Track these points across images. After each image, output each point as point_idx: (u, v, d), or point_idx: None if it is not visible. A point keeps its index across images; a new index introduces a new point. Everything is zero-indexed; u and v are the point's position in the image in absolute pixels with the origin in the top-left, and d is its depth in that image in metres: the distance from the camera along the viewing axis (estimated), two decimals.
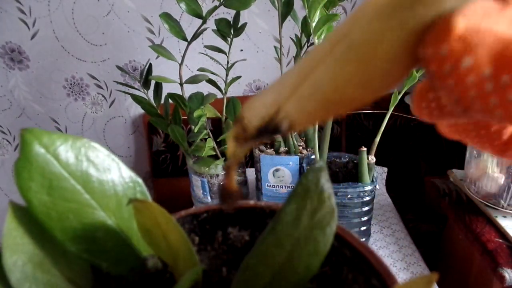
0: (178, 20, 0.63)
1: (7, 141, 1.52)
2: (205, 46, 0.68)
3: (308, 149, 0.74)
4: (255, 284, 0.17)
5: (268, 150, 0.73)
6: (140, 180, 0.21)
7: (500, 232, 0.72)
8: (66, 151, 0.18)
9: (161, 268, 0.21)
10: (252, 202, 0.25)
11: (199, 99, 0.65)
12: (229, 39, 0.66)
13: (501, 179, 0.72)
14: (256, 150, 0.74)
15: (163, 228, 0.18)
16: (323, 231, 0.17)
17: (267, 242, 0.17)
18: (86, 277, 0.20)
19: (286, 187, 0.74)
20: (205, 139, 0.68)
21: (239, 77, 0.73)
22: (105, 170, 0.19)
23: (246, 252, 0.23)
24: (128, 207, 0.20)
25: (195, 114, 0.63)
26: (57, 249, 0.18)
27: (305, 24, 0.63)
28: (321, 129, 0.65)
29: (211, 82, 0.69)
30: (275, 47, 0.72)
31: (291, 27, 1.16)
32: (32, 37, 1.31)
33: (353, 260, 0.20)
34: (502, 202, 0.73)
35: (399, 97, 0.55)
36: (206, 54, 0.69)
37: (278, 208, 0.24)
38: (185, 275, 0.16)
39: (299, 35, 0.65)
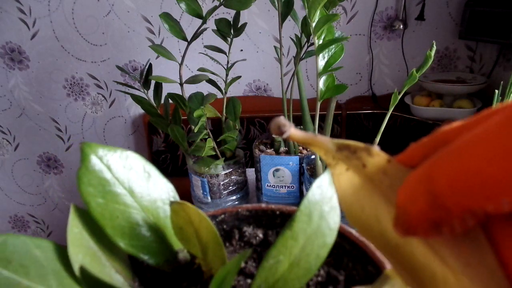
0: (178, 20, 0.63)
1: (7, 141, 1.52)
2: (205, 46, 0.68)
3: (308, 149, 0.74)
4: (276, 270, 0.20)
5: (268, 150, 0.73)
6: (171, 186, 0.24)
7: None
8: (115, 161, 0.22)
9: (190, 260, 0.24)
10: (264, 205, 0.28)
11: (199, 99, 0.65)
12: (229, 39, 0.66)
13: None
14: (256, 150, 0.74)
15: (195, 226, 0.21)
16: (329, 226, 0.21)
17: (285, 236, 0.20)
18: (128, 268, 0.23)
19: (286, 187, 0.74)
20: (205, 139, 0.68)
21: (239, 77, 0.73)
22: (144, 177, 0.23)
23: (260, 248, 0.27)
24: (162, 208, 0.23)
25: (195, 114, 0.63)
26: (107, 244, 0.21)
27: (305, 24, 0.63)
28: (321, 129, 0.65)
29: (211, 82, 0.69)
30: (275, 47, 0.72)
31: (291, 27, 1.16)
32: (32, 37, 1.31)
33: (352, 252, 0.24)
34: None
35: (399, 97, 0.55)
36: (206, 54, 0.69)
37: (287, 211, 0.28)
38: (238, 255, 0.19)
39: (299, 35, 0.65)
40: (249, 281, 0.24)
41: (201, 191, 0.75)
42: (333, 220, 0.21)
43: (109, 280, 0.20)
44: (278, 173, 0.72)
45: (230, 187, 0.74)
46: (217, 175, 0.72)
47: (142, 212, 0.22)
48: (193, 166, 0.73)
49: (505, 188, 0.10)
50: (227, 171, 0.72)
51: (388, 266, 0.22)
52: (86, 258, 0.19)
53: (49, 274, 0.18)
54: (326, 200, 0.21)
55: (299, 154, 0.72)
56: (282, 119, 0.14)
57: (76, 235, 0.20)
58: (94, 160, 0.21)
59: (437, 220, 0.11)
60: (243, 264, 0.25)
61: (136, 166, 0.23)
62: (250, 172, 0.82)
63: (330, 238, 0.21)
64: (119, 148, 0.22)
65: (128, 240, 0.21)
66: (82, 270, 0.18)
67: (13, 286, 0.17)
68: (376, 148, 0.14)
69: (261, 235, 0.27)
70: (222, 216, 0.28)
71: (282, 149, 0.73)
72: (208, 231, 0.21)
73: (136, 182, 0.22)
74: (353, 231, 0.25)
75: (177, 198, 0.24)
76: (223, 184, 0.73)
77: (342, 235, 0.25)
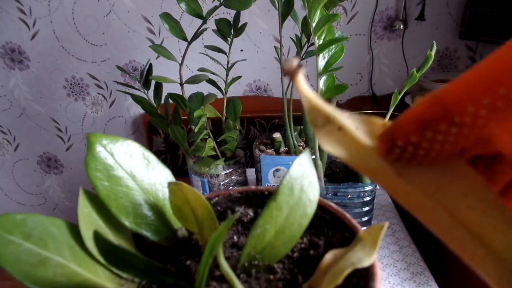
0: (178, 20, 0.63)
1: (7, 141, 1.52)
2: (205, 46, 0.68)
3: (308, 149, 0.74)
4: (264, 237, 0.23)
5: (268, 150, 0.73)
6: (169, 171, 0.27)
7: None
8: (117, 149, 0.24)
9: (188, 237, 0.27)
10: (253, 187, 0.31)
11: (199, 99, 0.65)
12: (229, 39, 0.66)
13: None
14: (256, 150, 0.74)
15: (191, 204, 0.23)
16: (309, 198, 0.24)
17: (270, 207, 0.23)
18: (132, 245, 0.25)
19: None
20: (205, 139, 0.68)
21: (239, 77, 0.73)
22: (144, 163, 0.26)
23: (251, 225, 0.28)
24: (161, 190, 0.26)
25: (195, 114, 0.63)
26: (113, 223, 0.24)
27: (305, 24, 0.62)
28: None
29: (211, 82, 0.69)
30: (275, 47, 0.72)
31: (291, 27, 1.16)
32: (33, 37, 1.31)
33: (332, 222, 0.27)
34: None
35: (399, 97, 0.55)
36: (206, 54, 0.69)
37: (275, 190, 0.30)
38: (224, 221, 0.21)
39: (299, 35, 0.65)
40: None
41: (201, 191, 0.75)
42: (312, 193, 0.24)
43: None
44: (278, 173, 0.72)
45: (231, 187, 0.74)
46: (217, 175, 0.72)
47: (143, 194, 0.25)
48: (193, 166, 0.73)
49: (503, 80, 0.11)
50: (227, 171, 0.72)
51: (361, 230, 0.24)
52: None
53: (64, 247, 0.21)
54: (305, 176, 0.24)
55: (299, 154, 0.72)
56: (295, 62, 0.15)
57: (86, 214, 0.22)
58: (99, 148, 0.23)
59: (429, 119, 0.13)
60: (235, 239, 0.27)
61: (136, 153, 0.26)
62: (250, 172, 0.82)
63: (311, 208, 0.24)
64: (120, 138, 0.25)
65: (131, 219, 0.24)
66: (96, 234, 0.20)
67: (34, 256, 0.19)
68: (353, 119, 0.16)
69: (251, 214, 0.29)
70: (216, 198, 0.31)
71: (282, 149, 0.73)
72: (204, 208, 0.23)
73: (136, 167, 0.25)
74: (333, 204, 0.27)
75: (175, 181, 0.26)
76: (223, 184, 0.73)
77: (323, 208, 0.28)
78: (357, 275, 0.22)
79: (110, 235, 0.23)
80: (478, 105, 0.12)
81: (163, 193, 0.26)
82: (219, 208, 0.31)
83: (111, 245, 0.21)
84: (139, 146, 0.26)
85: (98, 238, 0.20)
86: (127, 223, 0.23)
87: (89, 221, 0.22)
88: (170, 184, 0.22)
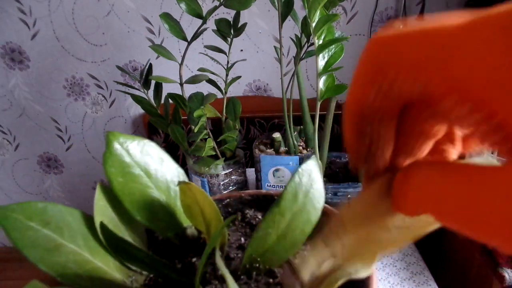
0: (178, 20, 0.63)
1: (7, 141, 1.52)
2: (205, 46, 0.68)
3: (308, 149, 0.74)
4: (265, 241, 0.23)
5: (268, 150, 0.73)
6: (182, 170, 0.27)
7: None
8: (134, 147, 0.25)
9: (196, 236, 0.27)
10: (264, 191, 0.31)
11: (199, 99, 0.65)
12: (229, 39, 0.66)
13: None
14: (256, 150, 0.74)
15: (200, 204, 0.24)
16: (314, 206, 0.24)
17: (273, 212, 0.23)
18: (144, 239, 0.27)
19: None
20: (205, 139, 0.68)
21: (239, 77, 0.73)
22: (158, 161, 0.26)
23: None
24: (173, 189, 0.27)
25: (195, 114, 0.63)
26: (126, 217, 0.25)
27: (305, 24, 0.63)
28: (321, 129, 0.65)
29: (211, 82, 0.69)
30: (275, 47, 0.72)
31: (291, 27, 1.16)
32: (33, 37, 1.31)
33: None
34: None
35: None
36: (206, 54, 0.69)
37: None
38: (227, 219, 0.21)
39: (299, 35, 0.65)
40: None
41: None
42: (317, 201, 0.24)
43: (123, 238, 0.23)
44: (278, 173, 0.72)
45: (230, 187, 0.74)
46: (217, 175, 0.72)
47: (156, 191, 0.26)
48: (193, 166, 0.73)
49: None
50: (227, 171, 0.72)
51: None
52: (109, 226, 0.22)
53: (78, 236, 0.22)
54: (311, 182, 0.24)
55: (299, 154, 0.72)
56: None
57: (101, 207, 0.24)
58: (116, 145, 0.24)
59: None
60: (243, 240, 0.28)
61: (151, 152, 0.26)
62: (250, 172, 0.82)
63: (315, 216, 0.24)
64: (137, 137, 0.26)
65: (143, 214, 0.24)
66: (102, 225, 0.21)
67: (51, 242, 0.21)
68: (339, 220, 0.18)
69: (260, 217, 0.30)
70: (227, 200, 0.31)
71: (282, 149, 0.73)
72: (212, 209, 0.24)
73: (151, 166, 0.26)
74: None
75: (187, 180, 0.26)
76: (223, 184, 0.73)
77: (329, 216, 0.28)
78: (353, 287, 0.22)
79: (123, 229, 0.24)
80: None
81: (175, 191, 0.27)
82: (230, 209, 0.31)
83: (116, 236, 0.21)
84: (155, 145, 0.26)
85: (104, 228, 0.21)
86: (139, 218, 0.24)
87: (104, 213, 0.23)
88: (180, 183, 0.23)
